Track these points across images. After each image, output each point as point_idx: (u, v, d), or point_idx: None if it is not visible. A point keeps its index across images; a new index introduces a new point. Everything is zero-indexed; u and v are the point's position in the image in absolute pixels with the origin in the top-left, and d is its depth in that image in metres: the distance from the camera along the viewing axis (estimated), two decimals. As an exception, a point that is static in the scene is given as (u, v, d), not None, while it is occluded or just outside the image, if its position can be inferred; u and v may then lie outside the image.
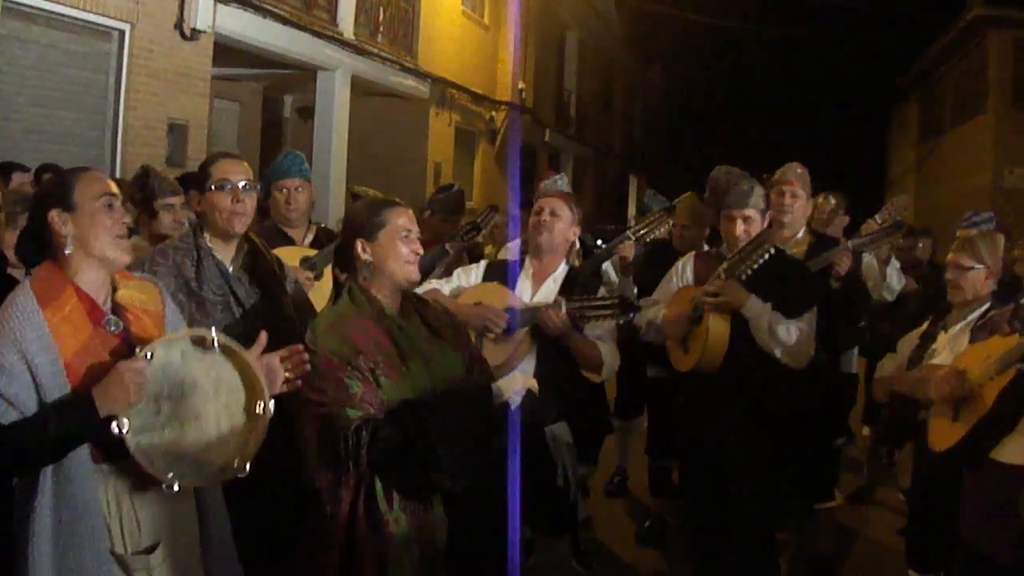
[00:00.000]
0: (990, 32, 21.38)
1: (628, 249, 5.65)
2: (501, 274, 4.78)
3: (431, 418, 3.27)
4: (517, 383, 3.57)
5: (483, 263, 4.99)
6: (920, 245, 8.40)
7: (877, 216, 5.89)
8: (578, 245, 5.82)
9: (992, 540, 3.71)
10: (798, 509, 6.01)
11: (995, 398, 3.65)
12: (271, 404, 2.95)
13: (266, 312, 3.77)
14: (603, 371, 4.68)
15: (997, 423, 3.64)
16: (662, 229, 5.76)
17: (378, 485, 3.26)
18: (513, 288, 4.70)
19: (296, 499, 3.42)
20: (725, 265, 4.65)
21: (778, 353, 4.66)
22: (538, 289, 4.71)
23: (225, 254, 3.84)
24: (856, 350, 7.21)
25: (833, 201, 6.86)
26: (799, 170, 5.56)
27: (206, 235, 3.82)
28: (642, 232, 5.65)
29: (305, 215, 5.49)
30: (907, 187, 29.21)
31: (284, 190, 5.24)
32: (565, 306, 4.35)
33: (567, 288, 4.63)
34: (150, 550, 2.89)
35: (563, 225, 4.70)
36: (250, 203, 3.82)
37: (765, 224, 4.89)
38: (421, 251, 3.52)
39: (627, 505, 7.33)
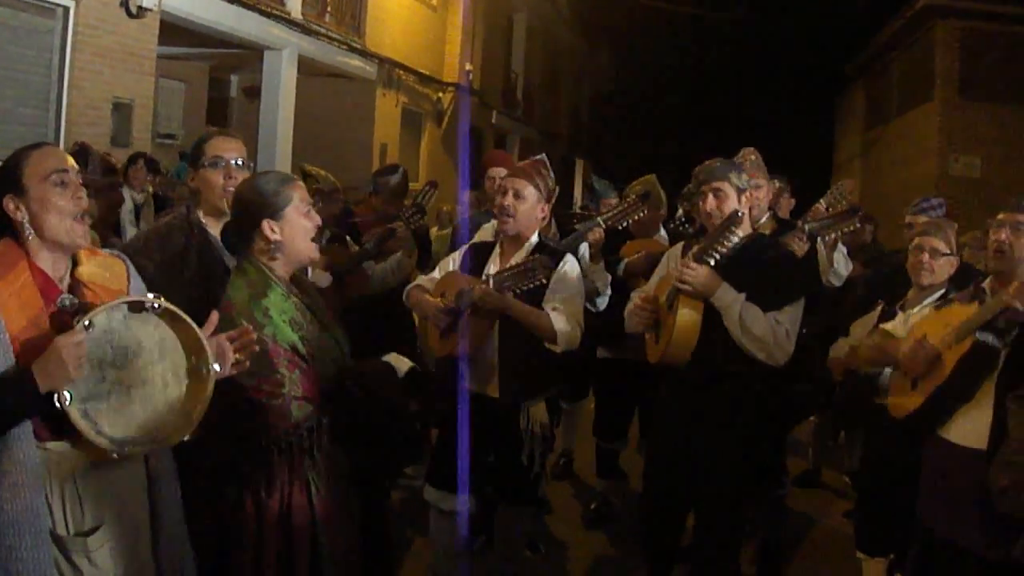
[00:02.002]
0: (937, 21, 21.40)
1: (598, 235, 5.54)
2: (479, 259, 4.76)
3: (368, 396, 3.33)
4: (402, 362, 3.60)
5: (464, 248, 4.94)
6: (865, 230, 8.45)
7: (823, 200, 5.92)
8: (554, 226, 5.92)
9: (953, 524, 3.69)
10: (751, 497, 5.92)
11: (953, 366, 3.67)
12: (216, 367, 2.87)
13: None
14: (559, 340, 4.46)
15: (955, 391, 3.65)
16: (637, 216, 5.67)
17: (311, 472, 3.26)
18: (482, 270, 4.63)
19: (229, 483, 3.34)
20: (695, 249, 4.37)
21: (751, 348, 4.29)
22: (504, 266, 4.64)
23: (217, 231, 3.74)
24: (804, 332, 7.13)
25: (778, 184, 6.70)
26: (753, 157, 5.49)
27: (199, 212, 3.84)
28: (614, 218, 5.57)
29: None
30: (853, 173, 29.23)
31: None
32: (492, 279, 4.36)
33: None
34: (91, 532, 2.82)
35: (528, 206, 4.59)
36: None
37: (744, 207, 4.49)
38: (320, 223, 3.50)
39: (573, 487, 7.34)
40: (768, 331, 4.27)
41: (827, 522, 6.85)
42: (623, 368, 6.35)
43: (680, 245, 4.86)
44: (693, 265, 4.28)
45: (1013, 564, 3.06)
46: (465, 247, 4.97)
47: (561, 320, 4.45)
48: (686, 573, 4.78)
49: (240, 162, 3.83)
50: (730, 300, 4.27)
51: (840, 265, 6.43)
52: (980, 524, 3.46)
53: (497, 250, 4.77)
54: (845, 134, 32.73)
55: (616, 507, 6.65)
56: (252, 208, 3.35)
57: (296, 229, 3.36)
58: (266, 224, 3.31)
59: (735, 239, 4.22)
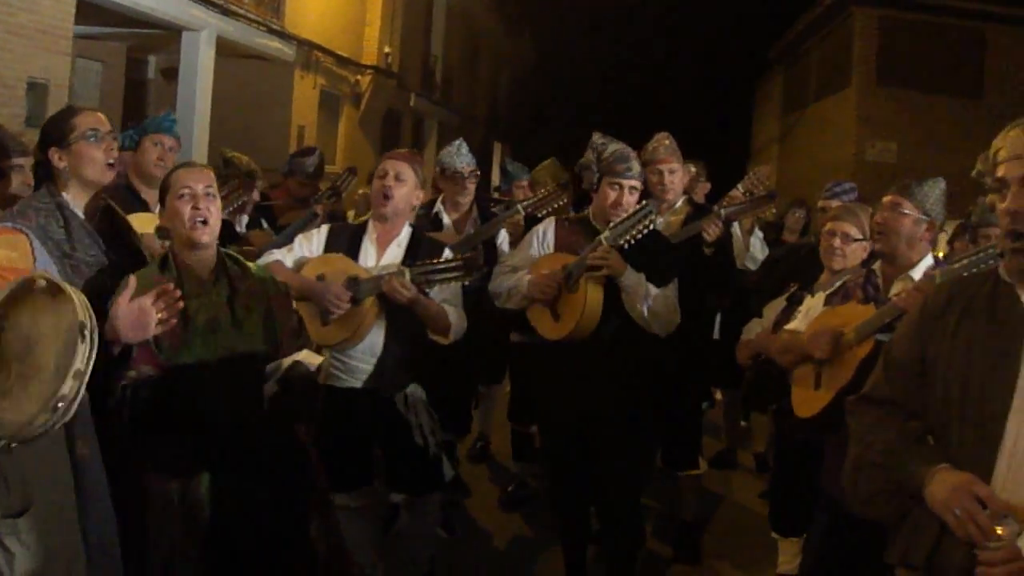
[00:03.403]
0: (855, 8, 21.80)
1: (517, 220, 5.68)
2: (343, 240, 4.67)
3: (196, 387, 3.36)
4: (295, 359, 3.63)
5: (324, 228, 4.82)
6: (797, 215, 8.66)
7: (739, 185, 6.02)
8: (475, 211, 5.98)
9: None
10: (663, 475, 6.11)
11: (856, 368, 3.70)
12: (96, 330, 2.77)
13: (131, 270, 3.49)
14: (450, 334, 4.57)
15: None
16: (559, 203, 5.76)
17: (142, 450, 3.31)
18: (356, 255, 4.61)
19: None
20: (607, 233, 4.56)
21: (648, 321, 4.62)
22: (383, 255, 4.61)
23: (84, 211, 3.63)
24: (719, 316, 7.09)
25: (694, 169, 6.91)
26: (667, 142, 5.61)
27: (65, 195, 3.58)
28: (535, 205, 5.67)
29: None
30: (770, 157, 29.48)
31: (159, 144, 4.96)
32: (409, 273, 4.27)
33: (412, 252, 4.57)
34: (20, 514, 2.82)
35: (407, 190, 4.59)
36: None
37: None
38: (207, 214, 3.48)
39: (489, 470, 7.40)
40: (663, 306, 4.64)
41: (742, 501, 6.96)
42: (538, 352, 6.37)
43: (551, 220, 5.07)
44: (608, 249, 4.52)
45: None
46: (327, 226, 4.88)
47: (454, 314, 4.56)
48: (599, 555, 4.99)
49: (114, 135, 3.70)
50: (635, 281, 4.58)
51: (756, 249, 6.62)
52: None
53: (372, 234, 4.67)
54: (763, 119, 33.04)
55: (533, 489, 6.73)
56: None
57: (175, 218, 3.48)
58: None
59: (647, 231, 4.49)
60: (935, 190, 3.93)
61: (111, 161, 3.62)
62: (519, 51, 38.67)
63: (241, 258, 3.75)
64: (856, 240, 4.80)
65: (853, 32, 22.12)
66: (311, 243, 4.70)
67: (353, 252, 4.60)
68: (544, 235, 4.99)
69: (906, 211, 3.86)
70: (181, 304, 3.13)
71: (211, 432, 3.39)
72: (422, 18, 26.05)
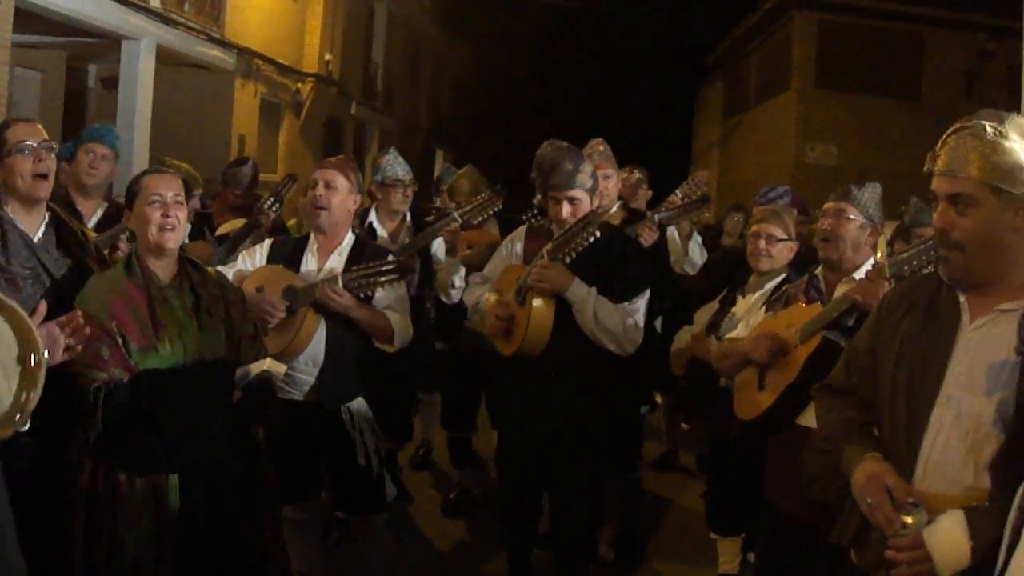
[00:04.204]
0: (795, 13, 21.96)
1: (453, 228, 5.60)
2: (285, 252, 4.64)
3: (170, 390, 3.40)
4: (263, 366, 3.75)
5: (267, 243, 4.79)
6: (735, 219, 8.69)
7: (678, 191, 5.94)
8: (408, 219, 5.96)
9: (801, 504, 3.63)
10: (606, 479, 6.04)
11: (803, 364, 3.70)
12: (45, 354, 2.78)
13: (77, 282, 3.59)
14: (395, 341, 4.53)
15: (805, 389, 3.59)
16: (493, 210, 5.68)
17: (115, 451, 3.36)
18: (298, 266, 4.58)
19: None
20: (549, 246, 4.42)
21: (603, 340, 4.44)
22: (324, 264, 4.57)
23: (29, 224, 3.62)
24: (660, 320, 6.78)
25: (637, 175, 6.85)
26: (602, 148, 5.58)
27: (7, 207, 3.59)
28: (470, 213, 5.61)
29: (101, 188, 5.40)
30: (711, 162, 29.73)
31: (91, 153, 5.13)
32: (342, 280, 4.26)
33: (354, 259, 4.51)
34: None
35: (340, 198, 4.55)
36: (52, 165, 3.64)
37: (596, 203, 4.66)
38: (175, 221, 3.53)
39: (432, 477, 7.39)
40: (619, 323, 4.43)
41: (684, 503, 6.99)
42: (461, 359, 6.37)
43: (522, 230, 4.95)
44: (548, 263, 4.39)
45: None
46: (269, 240, 4.86)
47: (397, 320, 4.54)
48: (543, 559, 4.95)
49: (46, 146, 3.64)
50: (583, 294, 4.40)
51: (695, 254, 6.67)
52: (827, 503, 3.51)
53: (313, 245, 4.66)
54: (704, 123, 33.08)
55: (474, 495, 6.74)
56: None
57: (140, 219, 3.54)
58: (126, 212, 3.59)
59: (591, 239, 4.33)
60: (875, 194, 3.98)
61: (42, 172, 3.59)
62: (461, 58, 38.74)
63: (200, 264, 3.80)
64: (781, 240, 4.84)
65: (792, 36, 22.27)
66: (254, 257, 4.69)
67: (295, 264, 4.58)
68: (513, 245, 4.87)
69: (851, 216, 3.89)
70: (88, 331, 3.07)
71: (180, 433, 3.44)
72: (363, 26, 26.06)
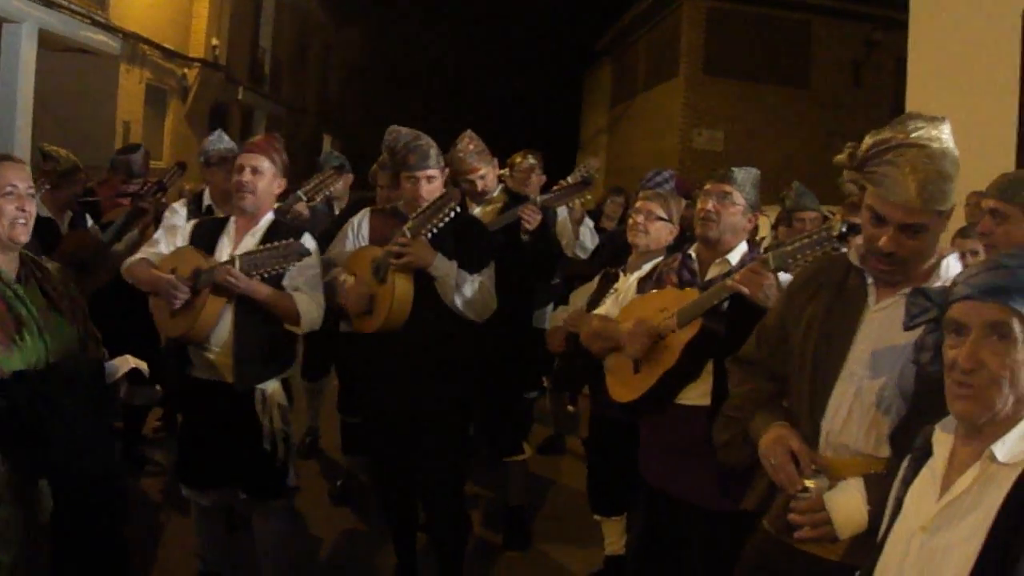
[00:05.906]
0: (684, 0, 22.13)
1: (302, 209, 5.66)
2: (205, 234, 4.66)
3: (41, 391, 3.31)
4: (129, 363, 3.72)
5: (190, 224, 4.82)
6: (615, 203, 8.81)
7: (569, 178, 5.86)
8: None
9: (674, 480, 3.83)
10: (489, 462, 6.21)
11: (681, 350, 3.73)
12: None
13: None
14: (302, 323, 4.52)
15: (684, 374, 3.77)
16: (336, 187, 5.86)
17: None
18: (214, 247, 4.58)
19: None
20: (410, 224, 4.51)
21: (463, 309, 4.62)
22: (237, 246, 4.56)
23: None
24: (551, 306, 6.80)
25: (531, 160, 6.93)
26: (472, 147, 5.61)
27: None
28: (314, 191, 5.68)
29: None
30: (599, 148, 29.78)
31: None
32: (239, 261, 4.28)
33: (268, 240, 4.48)
34: None
35: (266, 182, 4.57)
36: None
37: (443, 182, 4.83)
38: (28, 215, 3.45)
39: (319, 464, 7.36)
40: (477, 292, 4.66)
41: (572, 485, 7.01)
42: (360, 341, 6.42)
43: (366, 212, 5.08)
44: (409, 240, 4.49)
45: (741, 513, 3.16)
46: (194, 221, 4.88)
47: (305, 301, 4.53)
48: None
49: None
50: (447, 268, 4.58)
51: (586, 238, 6.74)
52: (708, 478, 3.60)
53: (232, 226, 4.66)
54: (592, 110, 33.12)
55: (363, 483, 6.70)
56: None
57: None
58: None
59: (452, 215, 4.45)
60: (754, 178, 3.99)
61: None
62: (349, 43, 38.48)
63: (37, 258, 3.68)
64: (660, 219, 4.82)
65: (681, 22, 22.32)
66: (175, 238, 4.73)
67: (212, 246, 4.60)
68: (359, 227, 5.00)
69: (736, 201, 3.90)
70: None
71: (48, 433, 3.36)
72: (251, 10, 25.77)
